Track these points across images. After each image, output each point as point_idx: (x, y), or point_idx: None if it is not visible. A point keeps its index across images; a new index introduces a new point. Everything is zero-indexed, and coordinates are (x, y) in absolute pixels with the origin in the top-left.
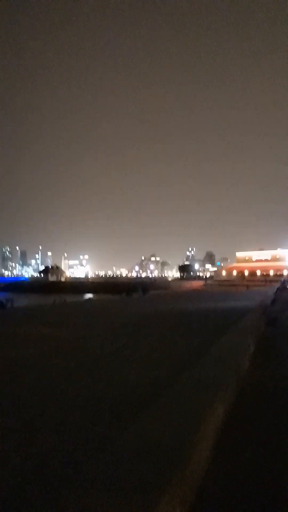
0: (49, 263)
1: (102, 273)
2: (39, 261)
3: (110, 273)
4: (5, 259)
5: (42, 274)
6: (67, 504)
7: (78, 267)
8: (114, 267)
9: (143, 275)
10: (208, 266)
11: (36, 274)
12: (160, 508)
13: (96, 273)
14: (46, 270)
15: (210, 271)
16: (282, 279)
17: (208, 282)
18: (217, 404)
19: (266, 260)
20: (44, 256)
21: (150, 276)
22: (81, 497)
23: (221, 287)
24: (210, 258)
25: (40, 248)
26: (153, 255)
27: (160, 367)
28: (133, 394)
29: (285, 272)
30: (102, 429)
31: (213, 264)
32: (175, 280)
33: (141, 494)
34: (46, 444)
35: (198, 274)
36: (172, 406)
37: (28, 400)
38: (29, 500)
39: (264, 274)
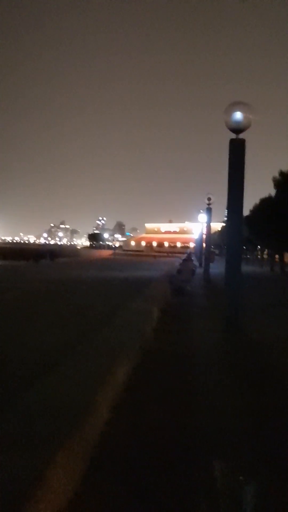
0: None
1: (9, 239)
2: None
3: (17, 239)
4: None
5: None
6: None
7: None
8: (21, 234)
9: (52, 242)
10: (118, 236)
11: None
12: (57, 461)
13: (3, 239)
14: None
15: (120, 241)
16: (188, 250)
17: (117, 251)
18: (119, 366)
19: (174, 232)
20: None
21: (59, 244)
22: None
23: (130, 256)
24: (120, 228)
25: None
26: (62, 223)
27: (67, 331)
28: (38, 357)
29: (191, 245)
30: (4, 390)
31: (123, 234)
32: (85, 248)
33: (40, 448)
34: None
35: (107, 243)
36: (75, 368)
37: None
38: None
39: (172, 245)
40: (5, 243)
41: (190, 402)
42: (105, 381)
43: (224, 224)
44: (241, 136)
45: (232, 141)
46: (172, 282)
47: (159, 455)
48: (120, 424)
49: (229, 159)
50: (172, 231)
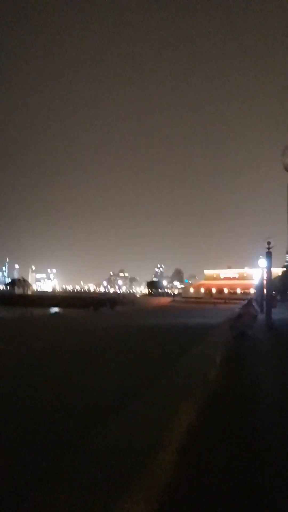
0: (16, 276)
1: (70, 288)
2: (5, 274)
3: (78, 287)
4: None
5: (8, 286)
6: (35, 503)
7: (46, 281)
8: (82, 282)
9: (111, 290)
10: (176, 283)
11: (2, 287)
12: (125, 504)
13: (64, 288)
14: (13, 283)
15: (178, 288)
16: (249, 296)
17: (176, 298)
18: (184, 412)
19: (233, 278)
20: (11, 268)
21: (118, 292)
22: (48, 496)
23: (189, 303)
24: (178, 274)
25: (7, 260)
26: (121, 271)
27: (130, 378)
28: (102, 403)
29: (251, 290)
30: (71, 433)
31: (181, 281)
32: (143, 296)
33: (106, 491)
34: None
35: (166, 290)
36: (140, 414)
37: None
38: None
39: (232, 291)
40: (66, 291)
41: (249, 451)
42: (169, 424)
43: (284, 269)
44: None
45: None
46: (233, 327)
47: (220, 503)
48: (184, 467)
49: None
50: (231, 277)
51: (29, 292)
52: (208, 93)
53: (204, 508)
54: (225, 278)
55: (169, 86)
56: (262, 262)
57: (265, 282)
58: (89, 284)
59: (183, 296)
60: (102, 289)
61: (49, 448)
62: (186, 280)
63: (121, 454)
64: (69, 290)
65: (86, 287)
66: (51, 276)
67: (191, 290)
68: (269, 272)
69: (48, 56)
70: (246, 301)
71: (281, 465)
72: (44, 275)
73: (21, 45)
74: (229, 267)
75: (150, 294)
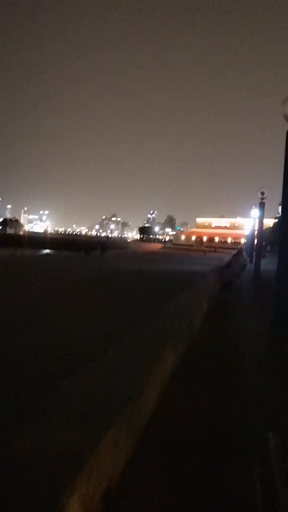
0: (8, 216)
1: (61, 230)
2: None
3: (70, 230)
4: None
5: (0, 226)
6: (19, 433)
7: (38, 222)
8: (74, 225)
9: (103, 234)
10: (168, 229)
11: None
12: (106, 439)
13: (56, 230)
14: (4, 223)
15: (170, 235)
16: (239, 246)
17: (167, 245)
18: (167, 353)
19: (225, 227)
20: (2, 208)
21: (110, 236)
22: (35, 428)
23: (179, 250)
24: (170, 222)
25: (0, 200)
26: (114, 215)
27: (116, 319)
28: (87, 343)
29: (242, 240)
30: (54, 371)
31: (173, 228)
32: (135, 241)
33: (89, 425)
34: None
35: (157, 236)
36: (126, 354)
37: None
38: None
39: (222, 241)
40: (58, 234)
41: (235, 392)
42: (153, 367)
43: (276, 220)
44: None
45: None
46: (222, 276)
47: (202, 440)
48: (166, 408)
49: (286, 151)
50: (223, 226)
51: (21, 233)
52: (209, 35)
53: (182, 448)
54: (216, 227)
55: (169, 25)
56: (255, 212)
57: (256, 232)
58: (81, 227)
59: (174, 243)
60: (94, 233)
61: (32, 384)
62: (178, 227)
63: (104, 392)
64: (61, 232)
65: (78, 230)
66: (43, 217)
67: (183, 237)
68: (261, 223)
69: None
70: (236, 251)
71: (258, 410)
72: (36, 217)
73: None
74: (221, 216)
75: (141, 239)
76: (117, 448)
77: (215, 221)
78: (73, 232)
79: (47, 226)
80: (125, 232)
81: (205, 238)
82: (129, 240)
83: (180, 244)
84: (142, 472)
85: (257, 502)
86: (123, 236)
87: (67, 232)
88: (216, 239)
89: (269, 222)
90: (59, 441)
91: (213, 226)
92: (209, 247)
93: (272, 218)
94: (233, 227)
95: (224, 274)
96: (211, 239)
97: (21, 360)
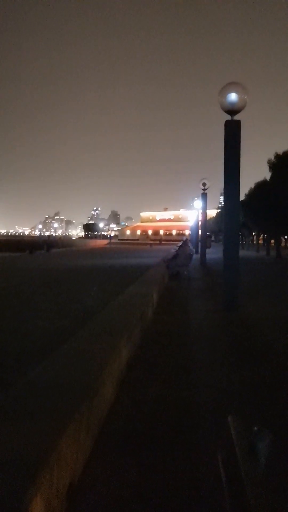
0: None
1: (3, 232)
2: None
3: (12, 231)
4: None
5: None
6: None
7: None
8: (16, 226)
9: (47, 234)
10: (113, 225)
11: None
12: (66, 434)
13: None
14: None
15: (115, 230)
16: (184, 237)
17: (113, 240)
18: (122, 344)
19: (169, 220)
20: None
21: (54, 234)
22: None
23: (125, 245)
24: (115, 217)
25: None
26: (57, 214)
27: (66, 316)
28: (40, 341)
29: (187, 232)
30: (8, 369)
31: (118, 224)
32: (80, 238)
33: (49, 421)
34: None
35: (102, 233)
36: (80, 348)
37: None
38: None
39: (167, 233)
40: (1, 235)
41: (189, 377)
42: (109, 358)
43: (219, 211)
44: (236, 117)
45: (227, 123)
46: (169, 267)
47: (161, 427)
48: (124, 398)
49: (225, 141)
50: (167, 219)
51: None
52: (153, 22)
53: (144, 437)
54: (161, 220)
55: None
56: (198, 203)
57: (200, 223)
58: (24, 228)
59: (120, 238)
60: (37, 232)
61: None
62: (122, 223)
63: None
64: (3, 234)
65: (21, 231)
66: None
67: (128, 232)
68: (204, 214)
69: None
70: (181, 242)
71: (206, 394)
72: None
73: None
74: (165, 209)
75: (86, 236)
76: (78, 442)
77: (159, 214)
78: (16, 233)
79: None
80: (70, 230)
81: (150, 232)
82: (74, 238)
83: (125, 239)
84: (105, 466)
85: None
86: (67, 234)
87: (9, 234)
88: (161, 232)
89: (212, 213)
90: (19, 440)
91: (157, 219)
92: (155, 240)
93: (214, 208)
94: (177, 219)
95: (172, 265)
96: (156, 233)
97: None
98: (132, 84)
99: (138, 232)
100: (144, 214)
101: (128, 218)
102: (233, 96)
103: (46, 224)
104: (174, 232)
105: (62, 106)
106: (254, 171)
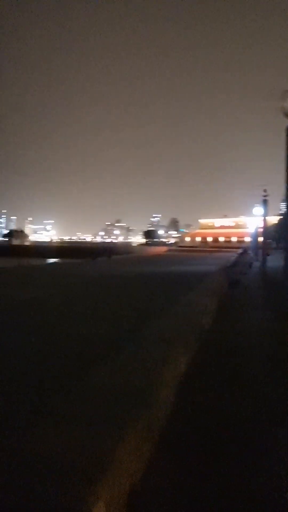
0: (13, 227)
1: (67, 238)
2: (3, 226)
3: (75, 238)
4: None
5: (5, 237)
6: (34, 438)
7: (43, 232)
8: (79, 233)
9: (108, 240)
10: (172, 232)
11: (0, 238)
12: (127, 439)
13: (61, 238)
14: (10, 234)
15: (174, 237)
16: (244, 244)
17: (172, 247)
18: (180, 352)
19: (229, 227)
20: (8, 220)
21: (115, 241)
22: (53, 432)
23: (184, 252)
24: (174, 224)
25: (5, 212)
26: (118, 221)
27: (124, 322)
28: (98, 346)
29: (247, 239)
30: (64, 378)
31: (177, 231)
32: (140, 245)
33: (108, 428)
34: (11, 390)
35: (162, 240)
36: (138, 354)
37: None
38: None
39: (227, 240)
40: (63, 242)
41: (249, 387)
42: (168, 366)
43: (280, 217)
44: None
45: None
46: (229, 274)
47: (223, 437)
48: (182, 408)
49: (286, 147)
50: (227, 225)
51: (27, 243)
52: (207, 34)
53: (205, 447)
54: (220, 227)
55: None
56: (258, 210)
57: (260, 230)
58: (86, 235)
59: (179, 245)
60: (98, 239)
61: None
62: (181, 230)
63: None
64: (66, 241)
65: (83, 238)
66: (48, 227)
67: (187, 239)
68: (264, 220)
69: None
70: (241, 250)
71: (269, 408)
72: (41, 226)
73: None
74: (225, 216)
75: (146, 243)
76: (137, 450)
77: (219, 221)
78: (78, 239)
79: (52, 235)
80: (130, 237)
81: (209, 239)
82: (134, 245)
83: (185, 246)
84: (165, 475)
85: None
86: (128, 241)
87: (72, 240)
88: (221, 239)
89: (273, 219)
90: (78, 445)
91: (217, 226)
92: (214, 247)
93: (275, 215)
94: (237, 226)
95: (231, 273)
96: (216, 239)
97: (35, 360)
98: (198, 94)
99: (198, 239)
100: (203, 221)
101: (188, 225)
102: None
103: (107, 231)
104: (234, 239)
105: (127, 120)
106: None
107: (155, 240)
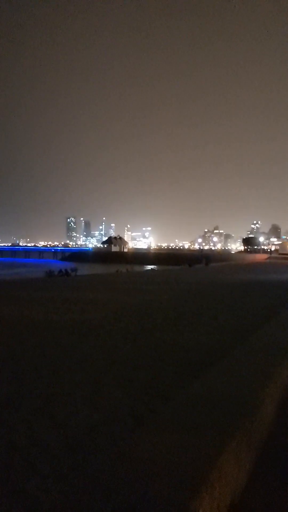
0: (112, 234)
1: (164, 245)
2: (102, 232)
3: (172, 245)
4: (70, 230)
5: (105, 244)
6: (136, 446)
7: (141, 239)
8: (176, 240)
9: (206, 247)
10: (273, 239)
11: (99, 245)
12: (228, 449)
13: (159, 245)
14: (109, 241)
15: (275, 244)
16: None
17: (273, 255)
18: (285, 365)
19: None
20: (107, 227)
21: (213, 248)
22: (153, 438)
23: (286, 260)
24: (275, 231)
25: (104, 219)
26: (216, 228)
27: (224, 331)
28: (197, 356)
29: None
30: (165, 386)
31: (278, 238)
32: (239, 252)
33: (210, 437)
34: (112, 397)
35: (262, 247)
36: (241, 364)
37: (95, 358)
38: (99, 446)
39: None
40: (161, 249)
41: None
42: (269, 378)
43: None
44: None
45: None
46: None
47: None
48: (285, 421)
49: None
50: None
51: (125, 250)
52: (238, 48)
53: None
54: None
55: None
56: None
57: None
58: (184, 242)
59: (280, 252)
60: (196, 246)
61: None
62: (283, 237)
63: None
64: (164, 248)
65: (180, 245)
66: (146, 234)
67: None
68: None
69: None
70: None
71: None
72: (139, 233)
73: None
74: None
75: (245, 250)
76: (239, 461)
77: None
78: (176, 246)
79: (150, 242)
80: (228, 244)
81: None
82: (232, 252)
83: (286, 254)
84: (266, 487)
85: None
86: (226, 248)
87: (170, 247)
88: None
89: None
90: (180, 453)
91: None
92: None
93: None
94: None
95: None
96: None
97: (137, 367)
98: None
99: None
100: None
101: None
102: None
103: (205, 238)
104: None
105: (212, 123)
106: None
107: (255, 247)
